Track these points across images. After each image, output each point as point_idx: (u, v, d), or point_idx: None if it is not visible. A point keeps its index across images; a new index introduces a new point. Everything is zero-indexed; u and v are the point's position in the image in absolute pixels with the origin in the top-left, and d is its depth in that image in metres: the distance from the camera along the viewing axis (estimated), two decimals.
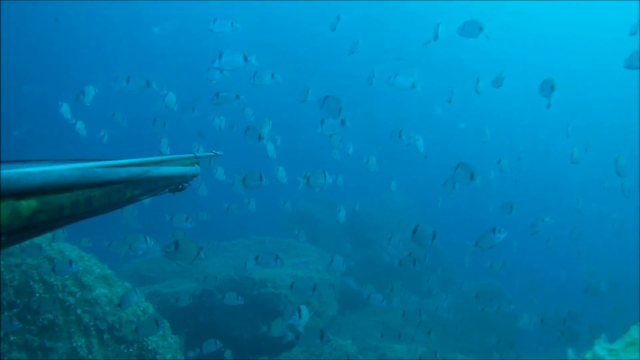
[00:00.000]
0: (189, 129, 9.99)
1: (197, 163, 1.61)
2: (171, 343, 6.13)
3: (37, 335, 5.37)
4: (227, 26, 6.36)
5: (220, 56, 5.82)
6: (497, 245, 4.92)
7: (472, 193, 12.56)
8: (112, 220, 9.43)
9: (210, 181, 8.44)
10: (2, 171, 0.81)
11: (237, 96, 6.57)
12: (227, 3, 24.09)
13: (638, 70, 5.54)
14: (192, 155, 1.60)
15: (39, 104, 23.55)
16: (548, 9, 26.26)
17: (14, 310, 5.32)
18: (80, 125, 8.07)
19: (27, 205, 0.85)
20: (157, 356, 5.85)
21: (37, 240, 5.53)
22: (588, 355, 1.90)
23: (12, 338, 5.19)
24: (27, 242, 5.43)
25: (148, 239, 5.62)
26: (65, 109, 7.97)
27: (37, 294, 5.41)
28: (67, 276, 5.57)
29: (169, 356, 5.93)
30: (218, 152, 1.89)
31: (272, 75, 6.20)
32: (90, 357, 5.50)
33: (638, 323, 1.95)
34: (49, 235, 5.80)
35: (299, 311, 5.45)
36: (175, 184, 1.50)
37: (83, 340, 5.54)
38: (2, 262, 5.39)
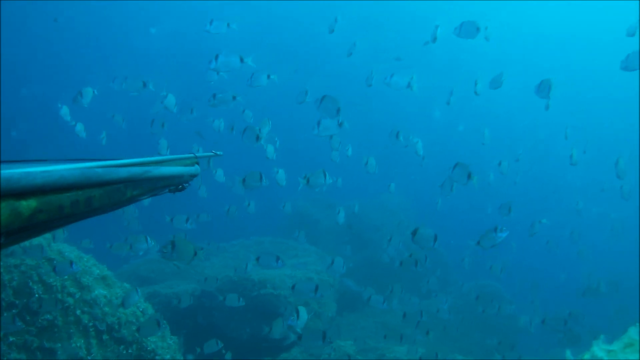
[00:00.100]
0: (188, 130, 9.99)
1: (197, 163, 1.61)
2: (170, 344, 6.13)
3: (36, 336, 5.37)
4: (224, 27, 6.36)
5: (216, 57, 5.83)
6: (499, 244, 4.91)
7: (471, 194, 12.57)
8: (113, 221, 9.44)
9: (210, 182, 8.44)
10: (2, 171, 0.81)
11: (234, 97, 6.57)
12: (225, 3, 24.10)
13: (635, 71, 5.54)
14: (192, 155, 1.60)
15: (37, 105, 23.54)
16: (548, 9, 26.27)
17: (13, 311, 5.32)
18: (80, 127, 8.06)
19: (27, 205, 0.85)
20: (156, 357, 5.85)
21: (39, 241, 5.54)
22: (586, 356, 1.90)
23: (11, 339, 5.18)
24: (28, 243, 5.44)
25: (149, 239, 5.62)
26: (65, 112, 7.96)
27: (36, 295, 5.41)
28: (66, 277, 5.56)
29: (168, 357, 5.93)
30: (218, 152, 1.89)
31: (268, 76, 6.22)
32: (89, 357, 5.49)
33: (636, 324, 1.95)
34: (49, 235, 5.80)
35: (297, 312, 5.44)
36: (175, 184, 1.50)
37: (82, 341, 5.54)
38: (1, 263, 5.39)
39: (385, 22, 26.92)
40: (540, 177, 22.92)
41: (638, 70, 5.67)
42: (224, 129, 7.91)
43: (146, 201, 8.29)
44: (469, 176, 5.36)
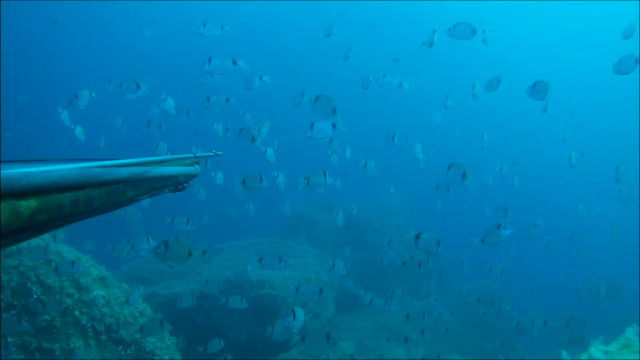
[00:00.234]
0: (185, 132, 9.99)
1: (197, 163, 1.60)
2: (169, 344, 6.13)
3: (34, 336, 5.36)
4: (217, 30, 6.35)
5: (209, 60, 5.83)
6: (502, 241, 4.91)
7: (470, 197, 12.58)
8: (114, 223, 9.44)
9: (210, 184, 8.44)
10: (2, 171, 0.81)
11: (228, 100, 6.57)
12: (222, 4, 24.10)
13: (635, 72, 5.54)
14: (192, 155, 1.60)
15: (33, 106, 23.52)
16: (548, 10, 26.31)
17: (12, 311, 5.32)
18: (79, 131, 8.05)
19: (27, 205, 0.86)
20: (155, 357, 5.85)
21: (37, 242, 5.53)
22: (583, 356, 1.91)
23: (9, 339, 5.18)
24: (27, 244, 5.43)
25: (150, 239, 5.61)
26: (65, 116, 7.94)
27: (35, 296, 5.41)
28: (64, 278, 5.56)
29: (166, 357, 5.93)
30: (218, 152, 1.89)
31: (260, 78, 6.24)
32: (88, 358, 5.49)
33: (633, 325, 1.95)
34: (47, 236, 5.80)
35: (293, 313, 5.44)
36: (175, 184, 1.50)
37: (81, 341, 5.54)
38: (0, 264, 5.38)
39: (384, 23, 26.95)
40: (540, 179, 22.94)
41: (638, 72, 5.67)
42: (223, 132, 7.91)
43: (147, 203, 8.30)
44: (464, 176, 5.37)
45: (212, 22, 6.33)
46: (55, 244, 5.81)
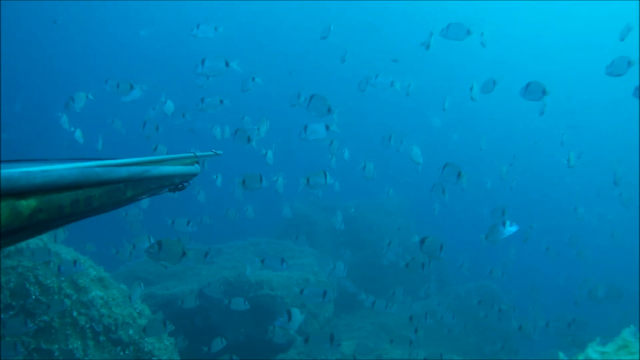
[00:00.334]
0: (182, 133, 10.00)
1: (197, 162, 1.60)
2: (167, 345, 6.13)
3: (33, 337, 5.36)
4: (211, 31, 6.35)
5: (203, 62, 5.84)
6: (506, 238, 4.93)
7: (469, 198, 12.59)
8: (114, 223, 9.44)
9: (209, 185, 8.44)
10: (2, 171, 0.81)
11: (221, 101, 6.58)
12: (219, 4, 24.07)
13: (620, 76, 5.53)
14: (192, 154, 1.60)
15: (34, 108, 23.48)
16: (547, 10, 26.32)
17: (10, 312, 5.31)
18: (79, 134, 8.05)
19: (27, 204, 0.86)
20: (153, 358, 5.85)
21: (36, 242, 5.53)
22: (580, 357, 1.91)
23: (8, 340, 5.17)
24: (25, 244, 5.43)
25: (152, 239, 5.61)
26: (64, 120, 7.93)
27: (33, 296, 5.40)
28: (62, 278, 5.56)
29: (165, 358, 5.93)
30: (218, 152, 1.88)
31: (253, 79, 6.26)
32: (86, 359, 5.49)
33: (630, 326, 1.96)
34: (46, 237, 5.79)
35: (289, 314, 5.44)
36: (175, 183, 1.50)
37: (79, 342, 5.53)
38: None
39: (384, 24, 26.95)
40: (540, 180, 22.93)
41: (639, 72, 5.67)
42: (222, 135, 7.92)
43: (147, 204, 8.31)
44: (459, 175, 5.39)
45: (206, 23, 6.33)
46: (53, 244, 5.81)
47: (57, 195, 0.93)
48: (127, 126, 8.88)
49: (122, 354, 5.72)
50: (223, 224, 9.66)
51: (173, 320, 7.27)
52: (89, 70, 23.03)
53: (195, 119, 8.02)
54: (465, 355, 9.53)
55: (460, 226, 17.66)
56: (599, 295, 8.91)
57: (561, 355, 2.00)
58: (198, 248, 8.08)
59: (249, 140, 6.00)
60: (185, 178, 1.54)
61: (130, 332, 5.82)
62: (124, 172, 1.12)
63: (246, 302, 6.73)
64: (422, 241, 4.87)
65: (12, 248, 5.41)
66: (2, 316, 5.19)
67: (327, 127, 5.51)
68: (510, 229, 4.87)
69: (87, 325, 5.61)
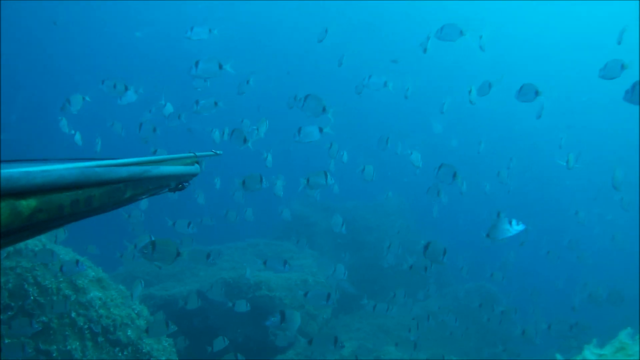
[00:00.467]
0: (180, 133, 9.99)
1: (197, 162, 1.60)
2: (165, 346, 6.12)
3: (31, 338, 5.35)
4: (205, 33, 6.34)
5: (196, 64, 5.83)
6: (508, 238, 4.92)
7: (468, 200, 12.57)
8: (114, 224, 9.43)
9: (209, 185, 8.45)
10: (2, 171, 0.82)
11: (216, 103, 6.58)
12: (217, 4, 24.05)
13: (627, 75, 5.54)
14: (192, 154, 1.60)
15: (34, 109, 23.44)
16: (547, 10, 26.32)
17: (9, 313, 5.31)
18: (78, 137, 8.05)
19: (27, 204, 0.86)
20: (152, 359, 5.84)
21: (40, 243, 5.53)
22: (578, 358, 1.91)
23: (6, 341, 5.17)
24: (23, 245, 5.43)
25: (153, 238, 5.61)
26: (64, 124, 7.93)
27: (32, 297, 5.40)
28: (61, 279, 5.56)
29: (163, 359, 5.92)
30: (218, 152, 1.88)
31: (248, 82, 6.28)
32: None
33: (627, 328, 1.96)
34: (44, 238, 5.79)
35: (282, 315, 5.44)
36: (175, 183, 1.50)
37: (77, 343, 5.53)
38: None
39: (383, 24, 26.94)
40: (539, 180, 22.91)
41: (639, 72, 5.67)
42: (220, 137, 7.92)
43: (147, 205, 8.31)
44: (454, 176, 5.41)
45: (200, 25, 6.32)
46: (52, 245, 5.80)
47: (57, 195, 0.93)
48: (127, 128, 8.87)
49: (120, 354, 5.72)
50: (222, 225, 9.65)
51: (171, 321, 7.28)
52: (89, 71, 23.00)
53: (190, 120, 8.02)
54: (464, 355, 9.53)
55: (459, 228, 17.66)
56: (600, 298, 8.90)
57: (558, 356, 2.00)
58: (199, 249, 8.08)
59: (245, 141, 5.99)
60: (186, 178, 1.54)
61: (129, 332, 5.81)
62: (124, 172, 1.12)
63: (248, 304, 6.74)
64: (426, 247, 4.91)
65: (10, 249, 5.41)
66: (1, 317, 5.19)
67: (320, 130, 5.51)
68: (517, 227, 4.84)
69: (86, 326, 5.61)
